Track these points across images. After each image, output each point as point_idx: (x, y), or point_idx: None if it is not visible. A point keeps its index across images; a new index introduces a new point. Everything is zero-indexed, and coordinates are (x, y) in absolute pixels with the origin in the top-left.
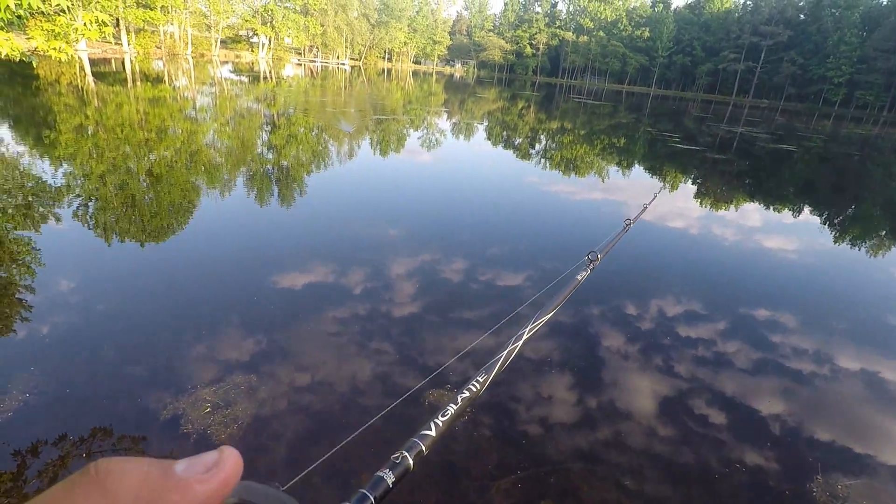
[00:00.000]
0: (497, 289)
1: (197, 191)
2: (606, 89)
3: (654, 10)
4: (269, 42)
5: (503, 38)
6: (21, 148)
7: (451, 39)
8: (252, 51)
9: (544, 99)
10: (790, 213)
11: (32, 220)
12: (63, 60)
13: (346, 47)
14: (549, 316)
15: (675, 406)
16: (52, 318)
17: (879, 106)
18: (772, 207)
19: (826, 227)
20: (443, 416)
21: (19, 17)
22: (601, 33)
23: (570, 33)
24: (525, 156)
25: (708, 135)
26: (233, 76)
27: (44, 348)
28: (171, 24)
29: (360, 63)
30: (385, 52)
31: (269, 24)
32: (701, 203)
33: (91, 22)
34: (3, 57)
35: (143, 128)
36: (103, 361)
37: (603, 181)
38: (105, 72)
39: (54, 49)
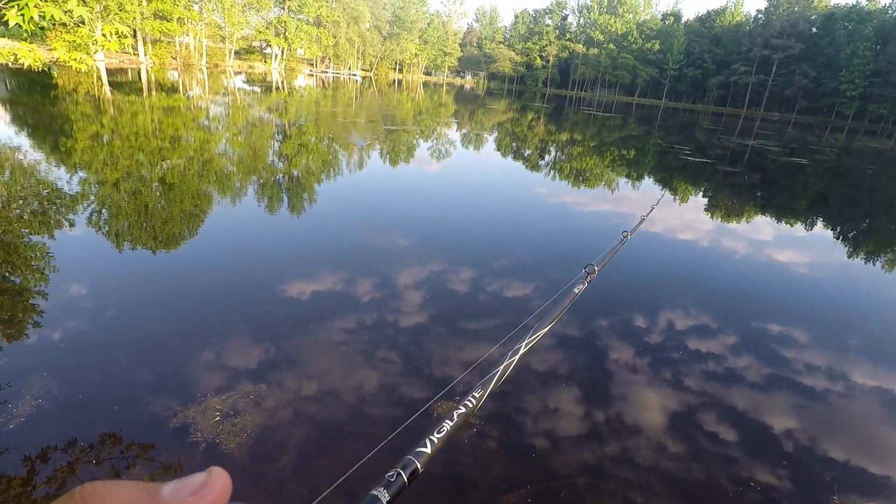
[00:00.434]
0: (503, 299)
1: (208, 199)
2: (616, 101)
3: (665, 23)
4: (282, 53)
5: (513, 50)
6: (38, 155)
7: (461, 51)
8: (265, 61)
9: (554, 111)
10: (802, 226)
11: (47, 226)
12: (83, 70)
13: (358, 58)
14: (546, 330)
15: (684, 421)
16: (64, 324)
17: (894, 119)
18: (783, 221)
19: (839, 241)
20: (438, 432)
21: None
22: (611, 46)
23: (581, 46)
24: (534, 167)
25: (719, 147)
26: (246, 86)
27: (57, 353)
28: (187, 35)
29: (372, 74)
30: (396, 63)
31: (282, 36)
32: (711, 216)
33: (111, 34)
34: (25, 67)
35: (157, 136)
36: (114, 368)
37: (612, 192)
38: (121, 81)
39: (75, 60)
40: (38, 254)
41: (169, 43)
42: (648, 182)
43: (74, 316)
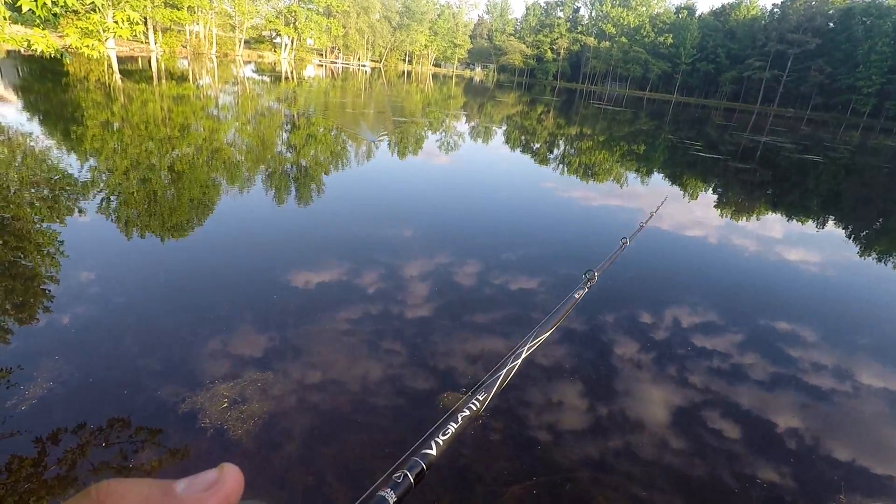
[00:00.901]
0: (509, 293)
1: (217, 188)
2: (627, 95)
3: (678, 17)
4: (292, 43)
5: (524, 43)
6: (49, 142)
7: (471, 43)
8: (275, 51)
9: (564, 104)
10: (813, 225)
11: (58, 212)
12: (94, 57)
13: (368, 49)
14: (548, 335)
15: (690, 417)
16: (74, 309)
17: None
18: (794, 219)
19: (851, 240)
20: (443, 434)
21: (55, 15)
22: (623, 39)
23: (592, 39)
24: (543, 161)
25: (731, 143)
26: (255, 76)
27: (68, 338)
28: (197, 24)
29: (381, 65)
30: (406, 54)
31: (292, 26)
32: (721, 212)
33: (123, 20)
34: (37, 54)
35: (167, 125)
36: (124, 353)
37: (621, 187)
38: (132, 69)
39: (87, 46)
40: (49, 239)
41: (179, 31)
42: (658, 177)
43: (85, 301)
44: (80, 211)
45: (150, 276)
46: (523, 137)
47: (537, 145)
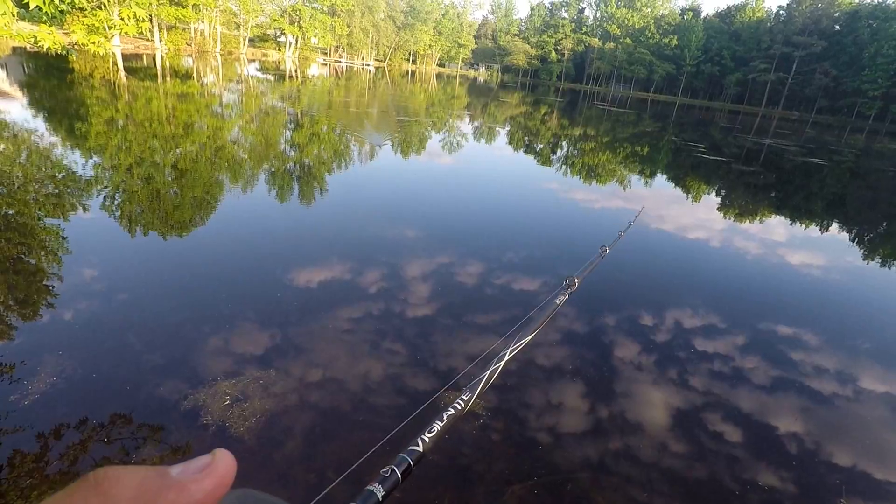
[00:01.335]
0: (510, 292)
1: (220, 186)
2: (631, 97)
3: (683, 19)
4: (296, 41)
5: (528, 43)
6: (53, 139)
7: (475, 43)
8: (279, 50)
9: (568, 105)
10: (817, 228)
11: (62, 209)
12: (100, 54)
13: (372, 48)
14: (530, 338)
15: (690, 420)
16: (77, 306)
17: None
18: (797, 222)
19: (855, 244)
20: (429, 432)
21: (62, 11)
22: (628, 40)
23: (597, 40)
24: (546, 161)
25: (735, 146)
26: (259, 74)
27: (70, 334)
28: (202, 21)
29: (385, 64)
30: (410, 54)
31: (296, 24)
32: (724, 214)
33: (129, 17)
34: (44, 50)
35: (171, 123)
36: (126, 350)
37: (624, 189)
38: (136, 67)
39: (93, 43)
40: (51, 236)
41: (184, 29)
42: (661, 178)
43: (88, 298)
44: (84, 207)
45: (153, 273)
46: (526, 138)
47: (540, 146)
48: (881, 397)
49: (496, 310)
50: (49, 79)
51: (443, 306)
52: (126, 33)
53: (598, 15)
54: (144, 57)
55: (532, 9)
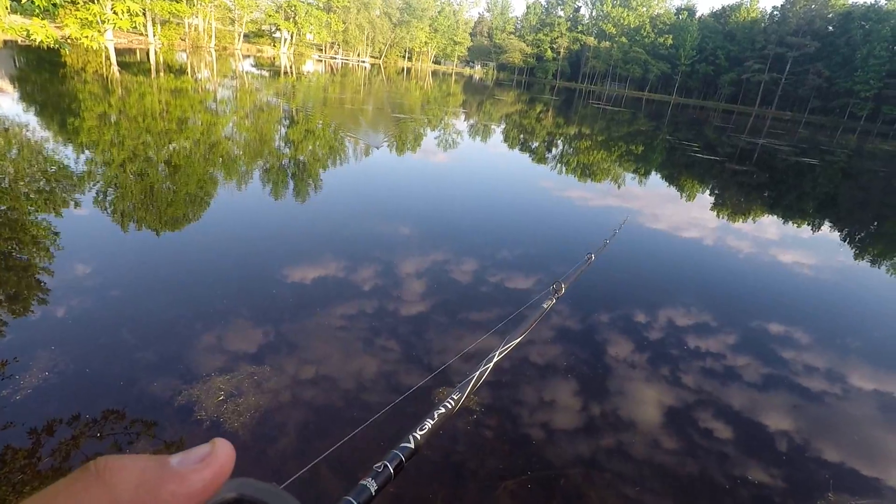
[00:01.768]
0: (503, 290)
1: (213, 182)
2: (626, 96)
3: (679, 18)
4: (291, 38)
5: (524, 41)
6: (45, 133)
7: (471, 41)
8: (274, 46)
9: (563, 104)
10: (808, 227)
11: (54, 204)
12: (93, 49)
13: (367, 45)
14: (518, 341)
15: (681, 417)
16: (69, 301)
17: None
18: (790, 221)
19: (846, 243)
20: (421, 430)
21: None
22: (623, 39)
23: (592, 38)
24: (541, 159)
25: (729, 145)
26: (254, 70)
27: (63, 329)
28: (196, 16)
29: (381, 61)
30: (405, 51)
31: (291, 20)
32: (717, 214)
33: (122, 11)
34: (36, 44)
35: (164, 118)
36: (119, 345)
37: (618, 187)
38: (130, 62)
39: (86, 37)
40: (43, 231)
41: (178, 24)
42: (655, 178)
43: (80, 293)
44: (76, 203)
45: (146, 269)
46: (521, 136)
47: (535, 144)
48: (870, 395)
49: (488, 308)
50: (41, 73)
51: (435, 304)
52: (119, 27)
53: (593, 14)
54: (138, 52)
55: (528, 7)
